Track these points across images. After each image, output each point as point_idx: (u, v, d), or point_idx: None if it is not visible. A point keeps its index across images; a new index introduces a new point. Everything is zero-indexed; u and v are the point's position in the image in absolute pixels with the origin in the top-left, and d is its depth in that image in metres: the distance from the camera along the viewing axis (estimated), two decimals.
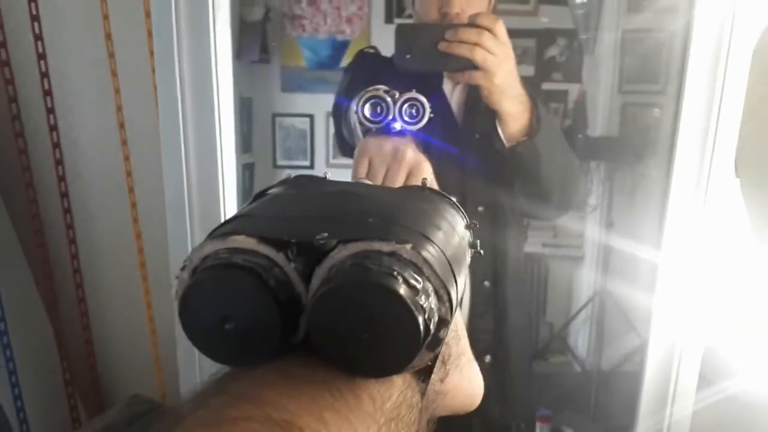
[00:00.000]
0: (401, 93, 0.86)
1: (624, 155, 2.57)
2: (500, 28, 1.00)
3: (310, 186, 0.46)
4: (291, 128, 2.85)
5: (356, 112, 0.84)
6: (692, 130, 1.10)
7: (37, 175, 1.56)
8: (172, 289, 0.33)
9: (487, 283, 1.25)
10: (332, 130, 2.69)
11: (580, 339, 2.95)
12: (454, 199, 0.47)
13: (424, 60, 1.03)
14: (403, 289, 0.29)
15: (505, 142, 1.08)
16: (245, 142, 2.75)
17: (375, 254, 0.31)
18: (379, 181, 0.80)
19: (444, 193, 0.47)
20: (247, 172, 2.77)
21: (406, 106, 0.84)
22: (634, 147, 2.53)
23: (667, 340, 1.15)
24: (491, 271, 1.25)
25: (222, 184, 1.28)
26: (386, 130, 0.85)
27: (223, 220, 0.36)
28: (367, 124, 0.85)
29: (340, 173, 1.50)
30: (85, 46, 1.52)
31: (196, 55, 1.25)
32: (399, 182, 0.79)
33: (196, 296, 0.32)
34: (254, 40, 2.71)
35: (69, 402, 1.64)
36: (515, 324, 1.29)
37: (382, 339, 0.30)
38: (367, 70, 1.29)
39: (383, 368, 0.32)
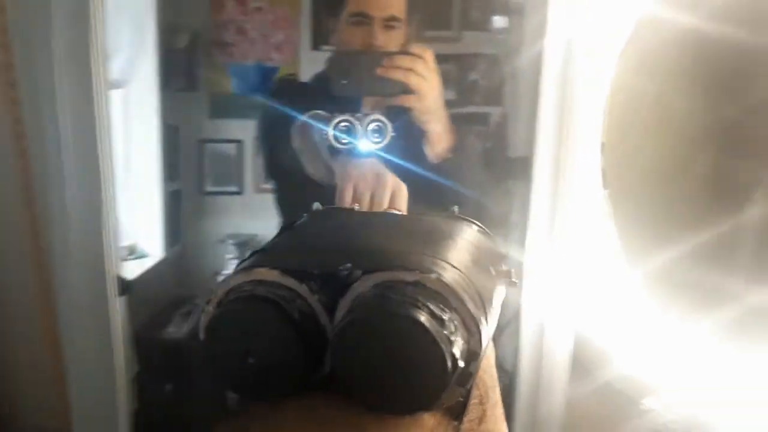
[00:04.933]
0: (366, 115, 0.92)
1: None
2: (430, 55, 1.09)
3: (337, 217, 0.46)
4: (220, 154, 2.87)
5: (327, 136, 0.89)
6: (546, 144, 1.17)
7: None
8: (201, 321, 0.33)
9: None
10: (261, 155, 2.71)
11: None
12: (485, 228, 0.46)
13: (360, 85, 1.09)
14: (427, 320, 0.28)
15: (431, 159, 1.14)
16: (172, 170, 2.75)
17: (398, 284, 0.30)
18: (365, 206, 0.84)
19: (475, 221, 0.47)
20: (174, 198, 2.77)
21: (372, 126, 0.90)
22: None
23: (536, 336, 1.20)
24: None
25: (106, 208, 1.29)
26: (355, 152, 0.90)
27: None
28: (338, 145, 0.90)
29: (271, 198, 1.50)
30: None
31: (75, 86, 1.25)
32: (384, 206, 0.83)
33: (220, 329, 0.32)
34: (181, 67, 2.74)
35: None
36: None
37: (408, 373, 0.29)
38: (290, 96, 1.34)
39: (411, 405, 0.30)
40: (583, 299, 1.26)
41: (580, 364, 1.26)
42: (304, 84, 1.45)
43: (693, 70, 1.29)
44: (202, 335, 0.32)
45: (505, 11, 2.83)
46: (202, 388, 1.94)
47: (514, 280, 0.43)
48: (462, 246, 0.38)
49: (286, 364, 0.31)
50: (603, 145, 1.29)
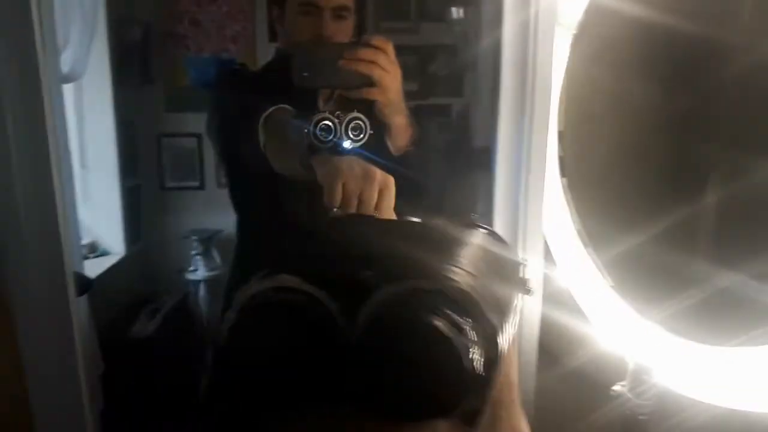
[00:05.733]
0: (345, 113, 0.90)
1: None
2: (391, 47, 1.08)
3: (356, 225, 0.45)
4: (178, 149, 2.82)
5: (308, 134, 0.87)
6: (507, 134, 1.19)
7: None
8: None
9: None
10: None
11: None
12: (501, 237, 0.46)
13: (322, 77, 1.08)
14: (447, 328, 0.29)
15: (393, 151, 1.13)
16: (129, 165, 2.69)
17: (419, 292, 0.30)
18: (354, 202, 0.83)
19: (492, 229, 0.47)
20: (133, 194, 2.71)
21: (352, 125, 0.89)
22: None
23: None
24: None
25: (61, 207, 1.24)
26: (337, 150, 0.88)
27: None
28: (319, 144, 0.88)
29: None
30: None
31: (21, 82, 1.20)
32: (373, 201, 0.82)
33: (242, 335, 0.32)
34: (134, 60, 2.67)
35: None
36: None
37: (426, 380, 0.29)
38: (241, 87, 1.31)
39: (429, 411, 0.30)
40: (549, 286, 1.28)
41: (548, 352, 1.29)
42: (255, 74, 1.43)
43: (647, 58, 1.32)
44: (223, 341, 0.32)
45: (461, 1, 2.86)
46: (171, 386, 1.91)
47: (529, 288, 0.44)
48: (479, 254, 0.39)
49: (306, 372, 0.31)
50: (560, 133, 1.32)
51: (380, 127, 1.13)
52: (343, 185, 0.85)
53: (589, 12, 1.23)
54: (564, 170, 1.28)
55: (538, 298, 1.23)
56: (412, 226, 0.46)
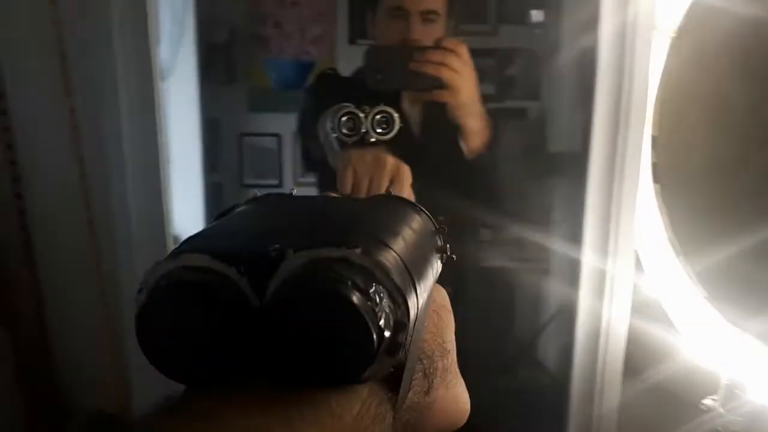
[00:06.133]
0: (372, 107, 0.92)
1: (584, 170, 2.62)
2: (464, 49, 1.09)
3: (275, 203, 0.45)
4: (259, 147, 2.90)
5: (332, 127, 0.89)
6: (602, 139, 1.17)
7: None
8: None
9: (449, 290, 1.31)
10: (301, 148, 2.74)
11: (550, 352, 2.98)
12: (420, 206, 0.47)
13: (394, 79, 1.11)
14: (352, 294, 0.29)
15: (467, 154, 1.14)
16: (212, 162, 2.79)
17: (325, 261, 0.31)
18: (364, 189, 0.85)
19: (410, 200, 0.47)
20: (215, 190, 2.81)
21: (377, 118, 0.91)
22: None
23: (591, 335, 1.20)
24: (449, 280, 1.31)
25: (165, 199, 1.31)
26: (361, 143, 0.90)
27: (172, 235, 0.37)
28: (343, 137, 0.91)
29: (310, 191, 1.56)
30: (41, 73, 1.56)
31: (136, 78, 1.27)
32: (383, 188, 0.84)
33: (151, 316, 0.32)
34: (220, 61, 2.77)
35: (28, 417, 1.65)
36: (475, 335, 1.34)
37: (335, 347, 0.30)
38: (329, 90, 1.35)
39: (340, 377, 0.31)
40: (638, 296, 1.26)
41: (635, 364, 1.26)
42: (345, 78, 1.46)
43: (748, 65, 1.27)
44: (135, 323, 0.32)
45: (541, 5, 2.83)
46: None
47: (451, 255, 0.44)
48: (392, 221, 0.39)
49: (218, 348, 0.31)
50: (654, 139, 1.29)
51: (456, 128, 1.14)
52: (354, 172, 0.86)
53: (689, 15, 1.19)
54: (657, 177, 1.25)
55: (626, 308, 1.21)
56: (330, 202, 0.46)
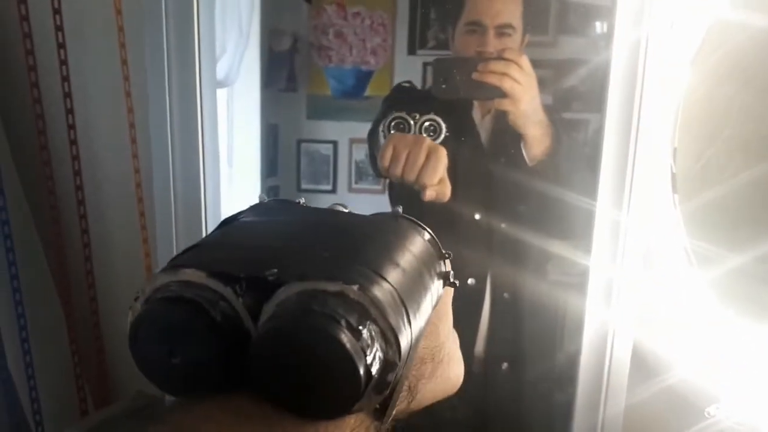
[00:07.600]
0: (421, 114, 0.99)
1: None
2: (525, 60, 1.14)
3: (279, 213, 0.46)
4: (315, 154, 2.97)
5: (383, 130, 0.97)
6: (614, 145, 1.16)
7: (59, 185, 1.72)
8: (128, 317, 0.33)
9: (506, 295, 1.34)
10: (355, 156, 2.81)
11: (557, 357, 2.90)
12: (426, 228, 0.47)
13: (458, 89, 1.16)
14: (343, 334, 0.29)
15: (528, 161, 1.18)
16: (271, 167, 2.88)
17: (321, 294, 0.31)
18: (402, 162, 0.90)
19: (417, 221, 0.47)
20: (272, 193, 2.90)
21: (426, 125, 0.97)
22: None
23: (598, 340, 1.18)
24: (511, 283, 1.34)
25: (203, 194, 1.38)
26: None
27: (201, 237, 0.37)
28: None
29: (362, 198, 1.65)
30: (104, 72, 1.68)
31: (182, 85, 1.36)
32: (419, 163, 0.90)
33: (145, 327, 0.32)
34: (282, 69, 2.87)
35: (79, 394, 1.76)
36: (532, 335, 1.37)
37: (323, 382, 0.30)
38: (403, 101, 1.40)
39: (326, 411, 0.31)
40: (647, 302, 1.23)
41: (641, 369, 1.24)
42: (420, 91, 1.52)
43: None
44: (129, 330, 0.33)
45: (602, 16, 2.78)
46: None
47: (453, 281, 0.44)
48: (396, 251, 0.38)
49: (208, 366, 0.31)
50: (675, 150, 1.27)
51: (518, 136, 1.17)
52: (393, 147, 0.90)
53: (712, 28, 1.17)
54: (676, 186, 1.23)
55: (634, 315, 1.19)
56: (335, 218, 0.45)
